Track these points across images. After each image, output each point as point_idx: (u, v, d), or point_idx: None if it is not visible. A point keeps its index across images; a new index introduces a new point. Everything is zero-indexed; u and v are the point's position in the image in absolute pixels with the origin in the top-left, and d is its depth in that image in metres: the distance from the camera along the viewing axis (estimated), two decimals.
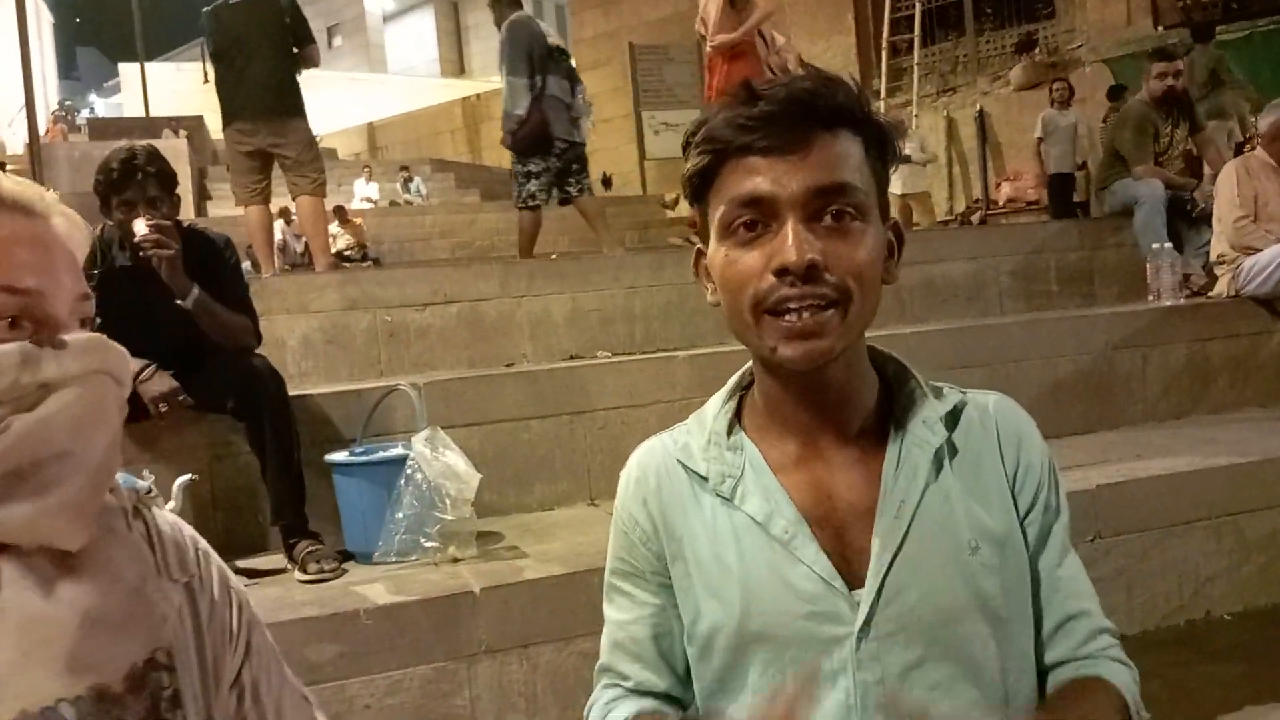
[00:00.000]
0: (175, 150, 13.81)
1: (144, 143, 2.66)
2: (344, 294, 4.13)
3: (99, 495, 0.79)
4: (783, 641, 0.93)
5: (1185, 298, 4.58)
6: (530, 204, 5.94)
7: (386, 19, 35.67)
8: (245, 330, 2.89)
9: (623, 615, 1.05)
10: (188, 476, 2.69)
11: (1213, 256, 4.65)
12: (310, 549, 2.73)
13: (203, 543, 0.94)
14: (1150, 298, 4.52)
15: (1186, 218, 5.28)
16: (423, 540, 2.76)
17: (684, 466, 1.02)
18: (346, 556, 2.86)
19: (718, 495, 0.98)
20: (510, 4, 6.04)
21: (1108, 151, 5.69)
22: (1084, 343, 4.09)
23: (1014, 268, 5.11)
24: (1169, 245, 4.61)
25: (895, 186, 10.35)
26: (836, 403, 0.97)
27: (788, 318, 0.89)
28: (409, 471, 2.77)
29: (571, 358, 4.24)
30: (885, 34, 12.12)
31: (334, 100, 22.81)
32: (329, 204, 13.30)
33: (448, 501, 2.74)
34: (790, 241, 0.88)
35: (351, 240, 11.97)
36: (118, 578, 0.80)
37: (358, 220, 12.79)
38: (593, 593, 2.52)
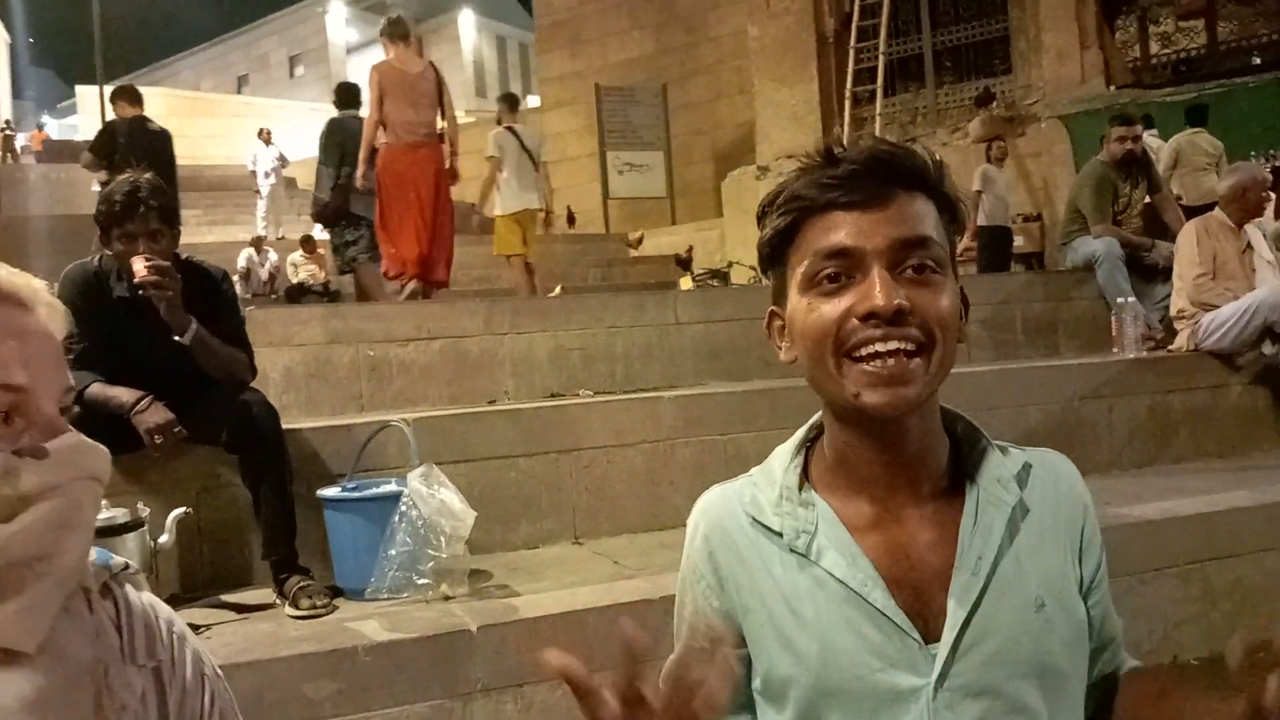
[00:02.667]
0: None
1: (147, 175, 2.66)
2: (328, 328, 4.13)
3: (62, 597, 0.78)
4: (859, 695, 0.94)
5: (1147, 351, 4.73)
6: (352, 266, 6.67)
7: (350, 50, 35.66)
8: (241, 365, 2.89)
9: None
10: (181, 510, 2.68)
11: (1173, 311, 4.82)
12: (302, 584, 2.72)
13: (179, 624, 0.92)
14: (1115, 350, 4.67)
15: (1144, 274, 5.48)
16: (415, 577, 2.77)
17: (755, 521, 1.01)
18: (336, 592, 2.86)
19: (792, 551, 0.98)
20: (345, 102, 6.93)
21: (1070, 209, 5.89)
22: (1053, 392, 4.22)
23: (984, 317, 5.25)
24: (1133, 299, 4.78)
25: None
26: (913, 456, 0.97)
27: (873, 363, 0.90)
28: (403, 508, 2.78)
29: (553, 395, 4.28)
30: (849, 84, 12.38)
31: (295, 129, 22.75)
32: (294, 234, 13.24)
33: (443, 539, 2.75)
34: (878, 287, 0.89)
35: (315, 270, 11.90)
36: (66, 662, 0.78)
37: (321, 251, 12.71)
38: (587, 632, 2.57)
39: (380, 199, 5.97)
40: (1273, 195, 5.12)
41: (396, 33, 6.09)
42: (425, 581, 2.76)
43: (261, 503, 2.78)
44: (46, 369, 0.79)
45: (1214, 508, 3.43)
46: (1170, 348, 4.79)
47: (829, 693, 0.94)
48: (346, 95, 7.03)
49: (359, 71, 36.29)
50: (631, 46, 17.41)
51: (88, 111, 24.32)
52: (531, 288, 7.97)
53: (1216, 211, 4.78)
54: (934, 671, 0.92)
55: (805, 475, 1.03)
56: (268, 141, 14.87)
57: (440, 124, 6.04)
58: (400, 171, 5.83)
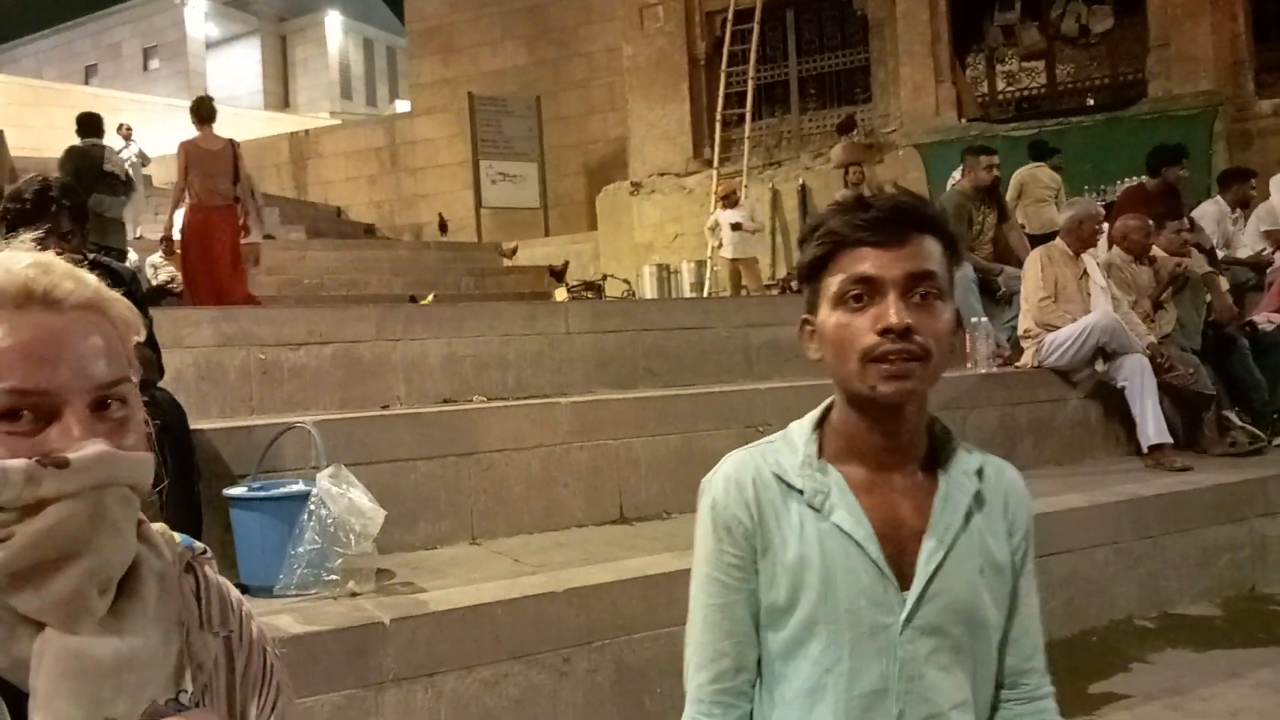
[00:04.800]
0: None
1: (56, 175, 2.68)
2: (219, 330, 4.13)
3: (102, 588, 0.84)
4: (845, 622, 1.20)
5: (997, 367, 5.17)
6: None
7: (209, 45, 34.41)
8: (149, 364, 2.91)
9: (722, 599, 1.26)
10: None
11: (1019, 331, 5.28)
12: None
13: (246, 605, 1.03)
14: (968, 365, 5.08)
15: (993, 297, 5.95)
16: (324, 574, 2.85)
17: (780, 480, 1.26)
18: (242, 589, 2.89)
19: (809, 506, 1.23)
20: (86, 131, 7.76)
21: None
22: None
23: None
24: (985, 320, 5.21)
25: (727, 251, 10.98)
26: (906, 439, 1.24)
27: (886, 364, 1.17)
28: (312, 507, 2.86)
29: (445, 401, 4.38)
30: (720, 106, 12.80)
31: (149, 125, 21.83)
32: (153, 234, 12.76)
33: (352, 537, 2.84)
34: (893, 309, 1.17)
35: (175, 272, 11.49)
36: (156, 623, 0.86)
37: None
38: (496, 624, 2.71)
39: (184, 248, 7.29)
40: (1105, 227, 5.64)
41: (203, 114, 7.32)
42: (334, 578, 2.84)
43: (168, 499, 2.80)
44: (72, 369, 0.82)
45: (1053, 508, 3.82)
46: (1017, 364, 5.24)
47: (821, 620, 1.21)
48: (89, 124, 7.94)
49: (219, 68, 35.18)
50: (504, 57, 17.49)
51: None
52: None
53: (1057, 241, 5.26)
54: (904, 612, 1.20)
55: (819, 448, 1.29)
56: (127, 138, 14.28)
57: (235, 190, 7.30)
58: (199, 227, 7.13)
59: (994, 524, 1.27)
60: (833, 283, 1.22)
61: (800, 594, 1.22)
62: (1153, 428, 4.72)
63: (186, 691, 0.87)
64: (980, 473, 1.28)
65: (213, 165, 7.14)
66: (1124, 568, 3.82)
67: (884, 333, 1.17)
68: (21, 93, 25.01)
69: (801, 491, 1.25)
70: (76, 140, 7.85)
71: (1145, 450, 4.75)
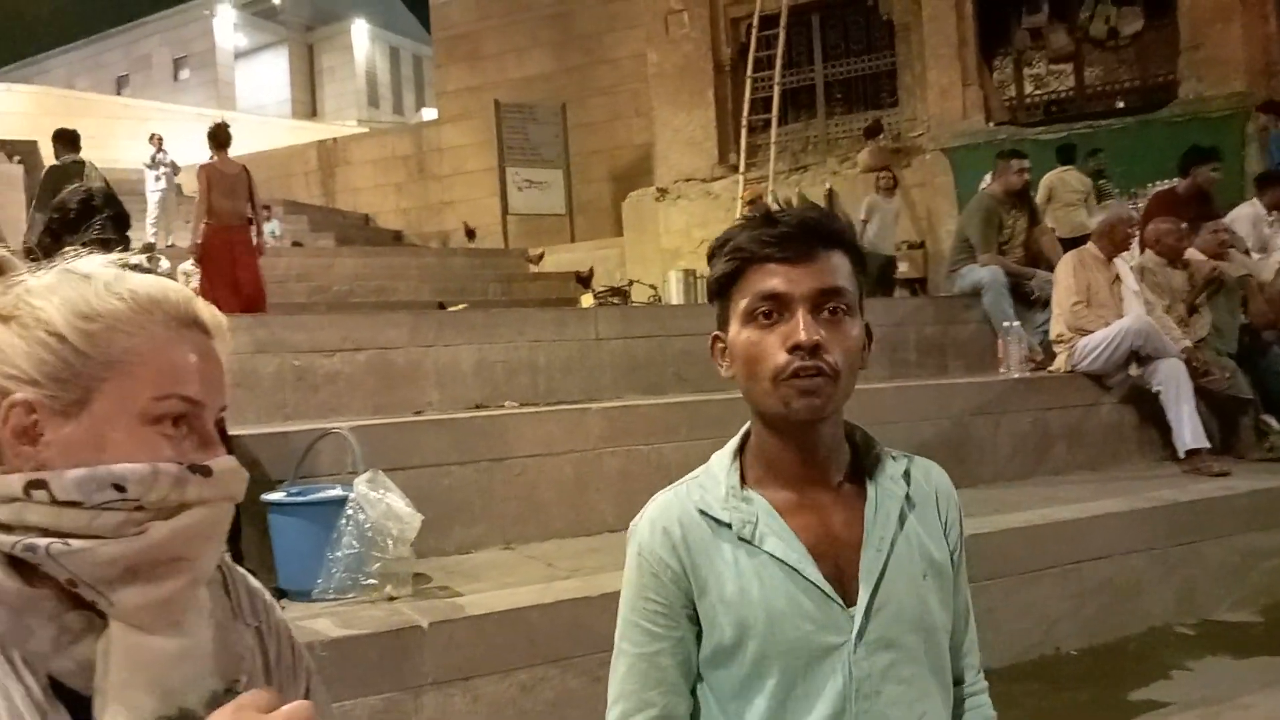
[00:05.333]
0: (9, 177, 13.13)
1: (99, 184, 2.73)
2: (254, 336, 4.17)
3: (194, 594, 0.89)
4: (797, 652, 1.16)
5: (1030, 371, 5.14)
6: None
7: (238, 55, 34.80)
8: None
9: (648, 648, 1.22)
10: None
11: (1051, 336, 5.25)
12: None
13: (268, 595, 1.06)
14: (1000, 370, 5.05)
15: (1025, 301, 5.92)
16: (361, 579, 2.87)
17: (705, 515, 1.22)
18: (280, 594, 2.93)
19: (739, 539, 1.20)
20: (66, 148, 8.25)
21: (958, 238, 6.31)
22: (945, 408, 4.55)
23: (878, 338, 5.51)
24: (1018, 324, 5.18)
25: None
26: (825, 455, 1.22)
27: (796, 381, 1.15)
28: (350, 512, 2.88)
29: (477, 407, 4.40)
30: (745, 112, 12.79)
31: (179, 134, 22.08)
32: (184, 241, 12.91)
33: (389, 542, 2.87)
34: (802, 325, 1.14)
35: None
36: (207, 617, 0.90)
37: None
38: (531, 628, 2.72)
39: (206, 263, 7.79)
40: (1137, 232, 5.61)
41: (221, 140, 7.92)
42: (371, 583, 2.87)
43: None
44: (215, 389, 0.90)
45: (1087, 514, 3.79)
46: (1050, 369, 5.20)
47: (772, 654, 1.18)
48: (66, 141, 8.35)
49: (247, 77, 35.56)
50: (530, 64, 17.57)
51: None
52: None
53: (1089, 245, 5.23)
54: (854, 629, 1.17)
55: (742, 477, 1.26)
56: (159, 147, 14.44)
57: (248, 210, 7.98)
58: (218, 245, 7.70)
59: (928, 525, 1.25)
60: (742, 300, 1.20)
61: (746, 630, 1.18)
62: (1189, 433, 4.67)
63: (241, 681, 0.92)
64: (907, 475, 1.26)
65: (230, 187, 7.79)
66: (1161, 574, 3.78)
67: (793, 350, 1.14)
68: (54, 103, 25.37)
69: (729, 525, 1.21)
70: (95, 151, 8.34)
71: (1182, 455, 4.70)
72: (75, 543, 0.81)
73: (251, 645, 0.98)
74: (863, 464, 1.25)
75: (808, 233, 1.18)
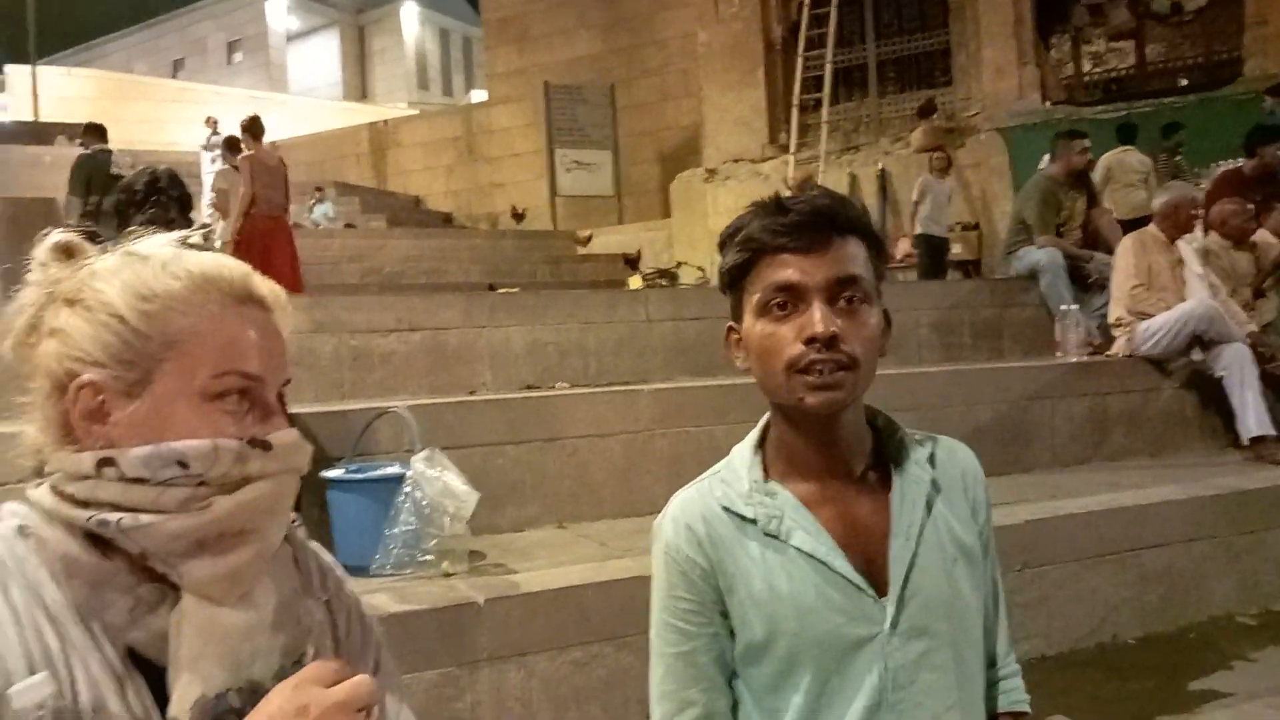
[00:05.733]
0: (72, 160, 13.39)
1: (164, 166, 2.78)
2: (311, 317, 4.23)
3: (261, 565, 0.91)
4: (829, 646, 1.15)
5: (1088, 355, 5.05)
6: None
7: (290, 38, 35.16)
8: None
9: (683, 646, 1.20)
10: None
11: (1110, 319, 5.15)
12: None
13: (339, 569, 1.07)
14: (1058, 354, 4.97)
15: (1083, 283, 5.81)
16: (418, 555, 2.91)
17: (729, 512, 1.20)
18: None
19: (765, 534, 1.18)
20: (95, 139, 8.99)
21: (1015, 220, 6.21)
22: (1001, 392, 4.49)
23: (933, 321, 5.53)
24: (1075, 307, 5.09)
25: None
26: (846, 444, 1.20)
27: (813, 374, 1.12)
28: (407, 489, 2.92)
29: (529, 387, 4.43)
30: (796, 92, 12.66)
31: (232, 117, 22.39)
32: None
33: (446, 519, 2.90)
34: (817, 317, 1.12)
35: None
36: (275, 591, 0.92)
37: None
38: (585, 606, 2.74)
39: (246, 252, 7.67)
40: (1201, 213, 5.47)
41: (256, 131, 8.22)
42: (428, 559, 2.91)
43: None
44: (276, 364, 0.91)
45: (1146, 500, 3.72)
46: (1108, 353, 5.11)
47: (804, 650, 1.16)
48: (96, 133, 9.09)
49: (299, 60, 35.89)
50: (579, 45, 17.54)
51: (16, 92, 23.61)
52: None
53: (1151, 227, 5.11)
54: (886, 619, 1.15)
55: (764, 470, 1.24)
56: (214, 130, 14.68)
57: (285, 200, 8.26)
58: (257, 234, 7.79)
59: (956, 508, 1.23)
60: (755, 291, 1.17)
61: (777, 627, 1.16)
62: (1254, 419, 4.56)
63: (308, 654, 0.93)
64: (932, 459, 1.24)
65: (270, 178, 7.98)
66: (1224, 563, 3.71)
67: (809, 342, 1.12)
68: (114, 87, 25.88)
69: (754, 521, 1.19)
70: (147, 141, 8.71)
71: (1245, 443, 4.59)
72: (144, 517, 0.83)
73: (321, 619, 0.99)
74: (886, 450, 1.23)
75: (821, 220, 1.15)
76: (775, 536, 1.17)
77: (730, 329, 1.23)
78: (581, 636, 2.76)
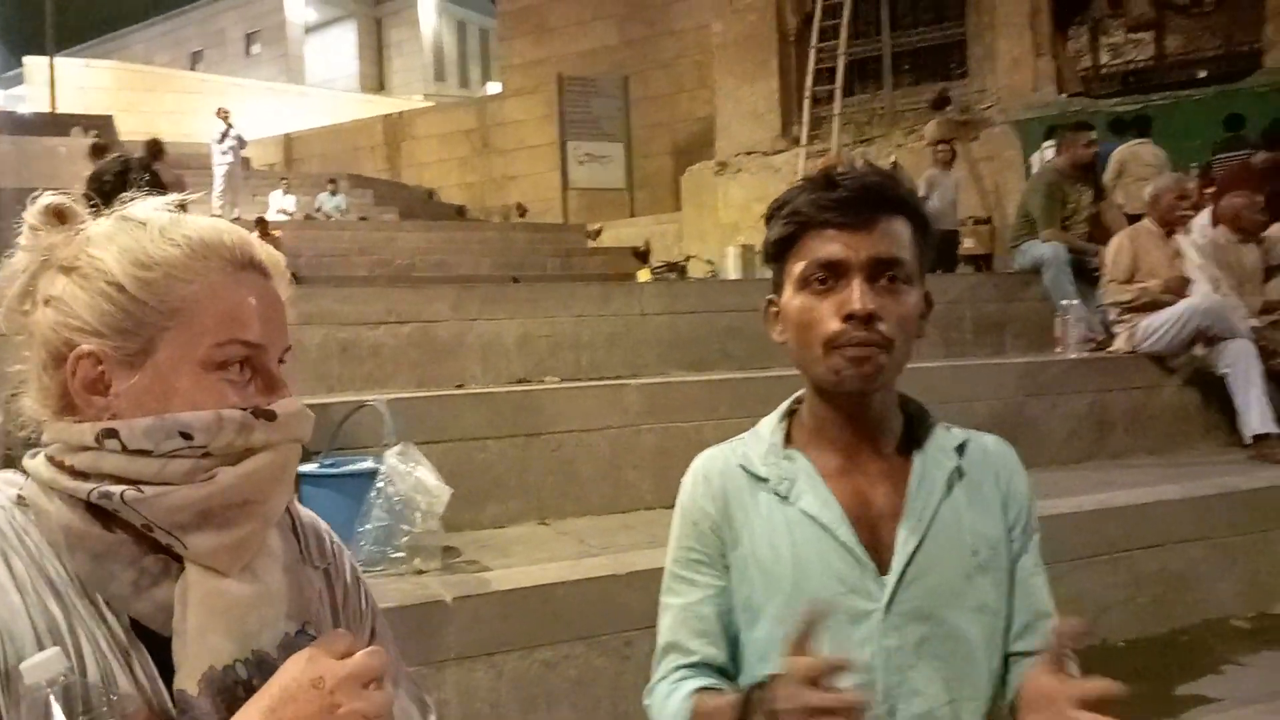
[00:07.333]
0: (84, 150, 13.46)
1: (137, 155, 2.75)
2: (300, 309, 4.15)
3: (265, 535, 0.91)
4: None
5: (1089, 351, 4.96)
6: None
7: (308, 30, 35.28)
8: None
9: (688, 598, 1.23)
10: None
11: (1111, 315, 5.05)
12: None
13: (336, 538, 1.07)
14: (1058, 350, 4.89)
15: (1087, 278, 5.71)
16: (390, 551, 2.87)
17: (745, 470, 1.23)
18: None
19: (775, 494, 1.20)
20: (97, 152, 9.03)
21: (1020, 213, 6.12)
22: (1000, 388, 4.42)
23: (935, 315, 5.42)
24: (1077, 302, 5.00)
25: None
26: (874, 424, 1.21)
27: (850, 350, 1.13)
28: (380, 484, 2.88)
29: (520, 381, 4.39)
30: (809, 83, 12.56)
31: (250, 108, 22.49)
32: (250, 214, 13.17)
33: (418, 515, 2.86)
34: (857, 294, 1.12)
35: None
36: (277, 560, 0.92)
37: (277, 233, 12.64)
38: (558, 605, 2.70)
39: None
40: (1192, 202, 5.33)
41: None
42: (399, 555, 2.87)
43: None
44: (276, 330, 0.90)
45: (1143, 500, 3.64)
46: (1110, 349, 5.02)
47: (798, 611, 1.12)
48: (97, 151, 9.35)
49: (316, 52, 36.00)
50: (594, 37, 17.50)
51: (35, 83, 23.79)
52: None
53: (1144, 220, 5.02)
54: (884, 597, 1.14)
55: (788, 437, 1.26)
56: (226, 121, 14.71)
57: None
58: None
59: (983, 500, 1.21)
60: (798, 265, 1.17)
61: (774, 585, 1.17)
62: (1257, 417, 4.46)
63: (313, 623, 0.92)
64: (962, 449, 1.23)
65: None
66: (1221, 565, 3.63)
67: (847, 318, 1.12)
68: (133, 78, 26.05)
69: (767, 480, 1.21)
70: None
71: (1248, 441, 4.50)
72: (148, 489, 0.82)
73: (320, 587, 0.98)
74: (914, 435, 1.23)
75: (869, 197, 1.15)
76: (785, 498, 1.19)
77: (770, 301, 1.24)
78: (553, 636, 2.72)
